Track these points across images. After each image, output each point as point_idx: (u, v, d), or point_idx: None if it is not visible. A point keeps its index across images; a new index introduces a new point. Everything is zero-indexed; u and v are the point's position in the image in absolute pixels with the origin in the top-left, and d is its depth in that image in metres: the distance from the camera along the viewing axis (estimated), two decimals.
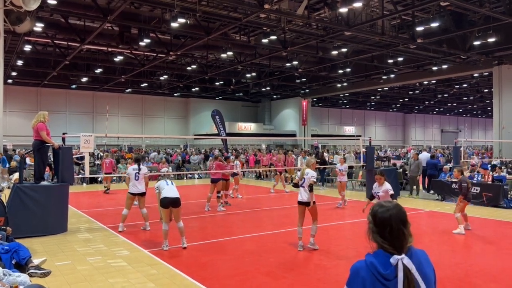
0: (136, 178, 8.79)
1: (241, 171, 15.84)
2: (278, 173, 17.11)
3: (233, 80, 34.34)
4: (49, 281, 5.19)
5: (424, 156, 16.08)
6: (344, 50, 23.46)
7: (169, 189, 7.20)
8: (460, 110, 60.26)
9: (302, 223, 7.21)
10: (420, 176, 15.13)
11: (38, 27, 17.69)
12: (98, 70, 28.26)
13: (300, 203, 7.16)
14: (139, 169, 8.86)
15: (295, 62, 26.50)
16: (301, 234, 7.22)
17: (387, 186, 7.10)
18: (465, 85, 36.91)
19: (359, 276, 1.71)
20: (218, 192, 11.81)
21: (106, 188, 16.09)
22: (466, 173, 14.47)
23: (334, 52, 23.33)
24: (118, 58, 24.95)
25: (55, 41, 21.84)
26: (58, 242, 7.97)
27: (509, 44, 21.16)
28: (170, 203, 7.14)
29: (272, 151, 26.74)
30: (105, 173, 16.03)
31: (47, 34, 20.29)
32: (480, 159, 19.87)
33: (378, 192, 7.16)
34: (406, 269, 1.66)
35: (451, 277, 5.80)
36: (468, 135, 63.42)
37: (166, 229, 7.30)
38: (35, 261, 5.10)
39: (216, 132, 33.33)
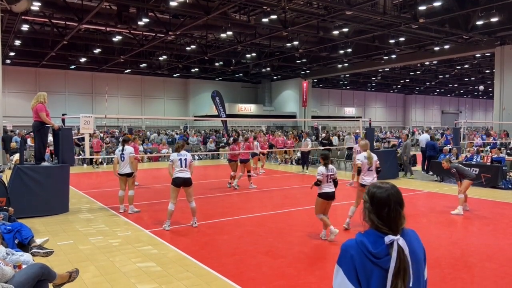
0: (122, 159, 8.84)
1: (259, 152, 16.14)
2: (261, 155, 16.88)
3: (233, 60, 34.03)
4: (51, 260, 5.27)
5: (424, 137, 16.10)
6: (345, 30, 23.17)
7: (181, 170, 7.41)
8: (461, 91, 59.95)
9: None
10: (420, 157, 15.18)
11: (35, 6, 17.41)
12: (97, 50, 28.00)
13: (364, 186, 7.39)
14: (123, 150, 8.86)
15: (295, 42, 26.21)
16: (352, 213, 7.39)
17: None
18: (466, 66, 36.63)
19: (349, 254, 1.75)
20: (249, 171, 12.72)
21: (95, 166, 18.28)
22: (464, 155, 14.53)
23: (335, 32, 23.06)
24: (117, 38, 24.69)
25: (52, 21, 21.57)
26: (60, 222, 8.06)
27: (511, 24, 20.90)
28: (182, 183, 7.40)
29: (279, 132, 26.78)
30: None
31: (44, 13, 20.01)
32: (493, 140, 19.97)
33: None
34: (400, 249, 1.70)
35: (448, 257, 5.89)
36: (469, 116, 63.26)
37: (171, 209, 7.41)
38: (38, 240, 5.17)
39: (216, 113, 33.26)
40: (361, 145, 7.86)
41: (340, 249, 1.81)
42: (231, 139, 22.13)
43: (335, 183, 6.75)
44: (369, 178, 7.32)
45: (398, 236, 1.73)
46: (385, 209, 1.77)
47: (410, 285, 1.72)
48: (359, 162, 7.46)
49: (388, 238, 1.71)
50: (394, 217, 1.77)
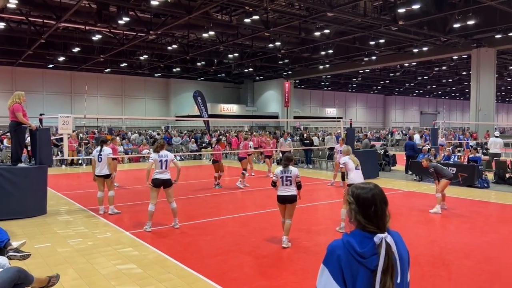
0: (99, 160, 8.69)
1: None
2: (267, 157, 16.23)
3: (215, 60, 33.93)
4: (28, 264, 5.15)
5: (416, 137, 16.39)
6: (326, 31, 23.40)
7: (161, 172, 7.34)
8: (439, 92, 61.26)
9: None
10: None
11: (12, 3, 17.02)
12: (76, 49, 27.51)
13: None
14: (101, 151, 8.70)
15: (277, 43, 26.32)
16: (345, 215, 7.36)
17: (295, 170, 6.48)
18: (444, 68, 37.47)
19: (335, 254, 1.74)
20: (244, 169, 12.86)
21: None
22: (442, 154, 14.85)
23: (317, 33, 23.25)
24: (97, 37, 24.32)
25: (30, 19, 21.09)
26: (38, 224, 7.88)
27: (487, 27, 21.48)
28: (161, 184, 7.33)
29: (254, 133, 26.80)
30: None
31: (21, 11, 19.54)
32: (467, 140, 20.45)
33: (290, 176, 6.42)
34: (388, 247, 1.72)
35: (426, 254, 6.00)
36: (447, 117, 64.71)
37: (151, 210, 7.33)
38: (14, 243, 5.04)
39: (198, 113, 33.02)
40: (344, 151, 7.94)
41: (326, 249, 1.81)
42: (214, 139, 22.11)
43: (299, 186, 6.37)
44: (356, 177, 7.31)
45: (386, 234, 1.75)
46: (371, 209, 1.78)
47: (398, 281, 1.74)
48: (343, 166, 7.50)
49: (377, 238, 1.73)
50: (381, 216, 1.78)
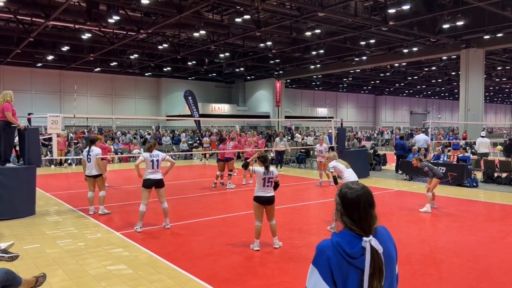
0: (88, 160, 8.62)
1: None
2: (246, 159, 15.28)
3: (206, 60, 33.82)
4: (17, 265, 5.08)
5: (422, 137, 15.41)
6: (317, 31, 23.44)
7: (153, 172, 7.30)
8: (429, 92, 61.82)
9: None
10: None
11: (0, 1, 16.76)
12: (65, 48, 27.18)
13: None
14: (89, 151, 8.62)
15: (269, 43, 26.30)
16: None
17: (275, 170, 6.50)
18: (434, 68, 37.79)
19: (324, 255, 1.73)
20: (230, 170, 12.72)
21: None
22: (432, 154, 14.99)
23: (308, 33, 23.29)
24: (86, 36, 24.06)
25: (18, 17, 20.79)
26: (26, 225, 7.78)
27: (476, 28, 21.71)
28: (153, 184, 7.28)
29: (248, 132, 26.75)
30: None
31: (9, 9, 19.26)
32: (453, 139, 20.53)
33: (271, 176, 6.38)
34: (373, 250, 1.70)
35: (417, 253, 6.05)
36: (436, 116, 65.29)
37: (143, 210, 7.27)
38: (2, 244, 4.96)
39: (189, 113, 32.96)
40: (330, 156, 7.92)
41: (315, 249, 1.80)
42: (205, 139, 22.04)
43: (276, 185, 6.35)
44: (350, 176, 7.27)
45: (371, 237, 1.73)
46: (355, 211, 1.77)
47: (386, 282, 1.74)
48: (332, 169, 7.47)
49: (363, 242, 1.72)
50: (365, 218, 1.76)
